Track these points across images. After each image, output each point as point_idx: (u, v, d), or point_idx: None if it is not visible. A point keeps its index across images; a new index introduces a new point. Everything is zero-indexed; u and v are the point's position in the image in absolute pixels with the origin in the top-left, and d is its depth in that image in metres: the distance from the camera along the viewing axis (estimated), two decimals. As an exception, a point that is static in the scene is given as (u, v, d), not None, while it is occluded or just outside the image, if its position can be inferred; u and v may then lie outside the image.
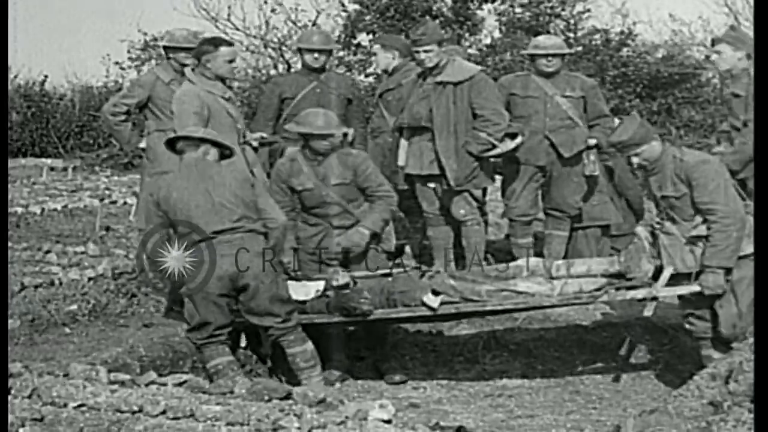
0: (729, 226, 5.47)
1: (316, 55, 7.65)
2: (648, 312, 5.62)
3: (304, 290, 5.99)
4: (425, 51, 7.13)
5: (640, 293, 5.65)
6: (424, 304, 5.83)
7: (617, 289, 5.69)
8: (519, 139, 7.41)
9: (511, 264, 6.08)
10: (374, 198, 6.34)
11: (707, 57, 20.58)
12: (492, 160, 7.50)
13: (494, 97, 7.30)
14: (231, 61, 6.72)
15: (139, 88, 7.70)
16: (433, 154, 7.22)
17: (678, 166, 5.60)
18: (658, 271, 5.64)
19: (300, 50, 7.88)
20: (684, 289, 5.60)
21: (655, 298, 5.62)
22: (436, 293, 5.82)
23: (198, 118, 6.52)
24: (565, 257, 7.99)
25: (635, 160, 5.72)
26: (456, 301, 5.82)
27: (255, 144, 6.98)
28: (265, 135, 7.20)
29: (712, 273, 5.53)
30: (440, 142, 7.22)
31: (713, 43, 6.89)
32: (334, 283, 5.92)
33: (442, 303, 5.82)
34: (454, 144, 7.23)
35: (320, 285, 6.00)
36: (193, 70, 6.82)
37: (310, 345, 5.82)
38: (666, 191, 5.64)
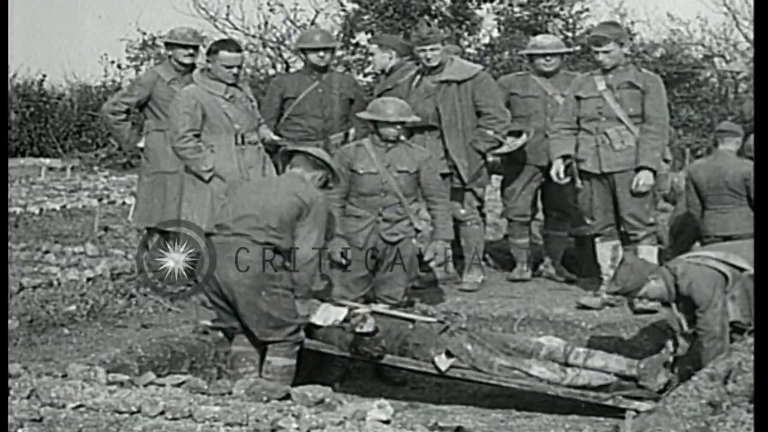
0: (710, 342, 5.48)
1: (321, 53, 7.64)
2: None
3: (324, 315, 5.90)
4: (432, 50, 7.18)
5: (645, 406, 5.43)
6: (433, 362, 5.74)
7: (625, 396, 5.55)
8: (525, 137, 7.43)
9: (533, 340, 5.97)
10: (431, 198, 6.53)
11: (706, 57, 20.63)
12: (491, 159, 7.52)
13: (497, 96, 7.40)
14: (230, 67, 6.68)
15: (139, 87, 7.70)
16: (443, 152, 7.24)
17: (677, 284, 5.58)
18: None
19: (303, 50, 7.86)
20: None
21: None
22: (449, 354, 5.72)
23: (189, 117, 6.60)
24: (570, 260, 8.01)
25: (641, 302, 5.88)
26: (464, 367, 5.70)
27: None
28: (275, 138, 7.17)
29: None
30: (450, 140, 7.26)
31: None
32: (358, 330, 5.78)
33: (451, 366, 5.71)
34: (462, 142, 7.26)
35: (341, 314, 5.89)
36: (202, 70, 6.86)
37: (287, 362, 5.65)
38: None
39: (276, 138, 7.18)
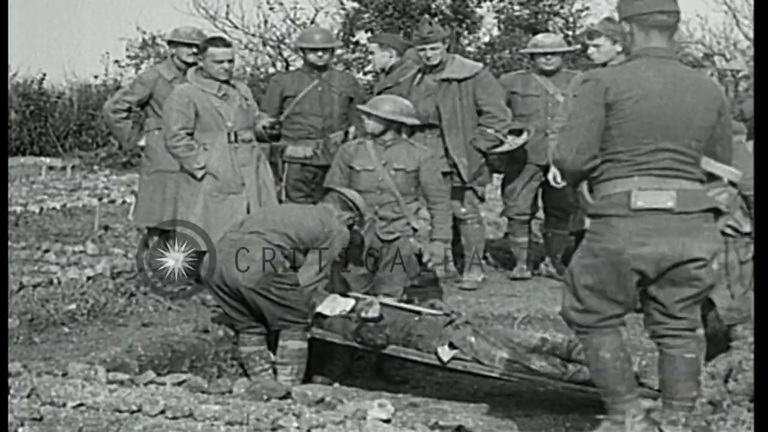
0: None
1: (320, 53, 7.65)
2: None
3: (331, 305, 5.94)
4: (432, 48, 7.18)
5: (646, 403, 5.49)
6: (436, 353, 5.75)
7: None
8: (525, 136, 7.43)
9: (535, 335, 5.97)
10: (430, 197, 6.54)
11: (706, 55, 20.61)
12: (492, 158, 7.52)
13: (498, 94, 7.40)
14: (220, 62, 6.68)
15: (140, 85, 7.70)
16: (443, 151, 7.25)
17: None
18: None
19: (302, 49, 7.87)
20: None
21: None
22: (452, 346, 5.73)
23: (182, 116, 6.61)
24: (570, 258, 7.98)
25: None
26: (467, 359, 5.71)
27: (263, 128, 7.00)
28: (271, 119, 7.19)
29: None
30: (450, 139, 7.26)
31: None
32: (363, 315, 5.84)
33: (453, 358, 5.72)
34: (463, 141, 7.27)
35: (349, 305, 5.94)
36: (196, 69, 6.85)
37: (301, 345, 5.79)
38: None
39: (272, 120, 7.18)
